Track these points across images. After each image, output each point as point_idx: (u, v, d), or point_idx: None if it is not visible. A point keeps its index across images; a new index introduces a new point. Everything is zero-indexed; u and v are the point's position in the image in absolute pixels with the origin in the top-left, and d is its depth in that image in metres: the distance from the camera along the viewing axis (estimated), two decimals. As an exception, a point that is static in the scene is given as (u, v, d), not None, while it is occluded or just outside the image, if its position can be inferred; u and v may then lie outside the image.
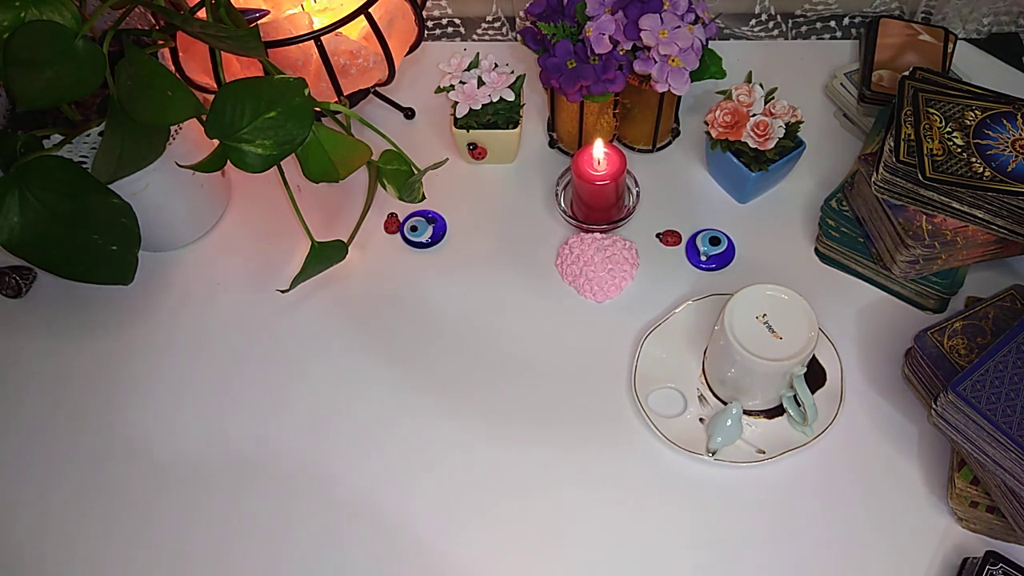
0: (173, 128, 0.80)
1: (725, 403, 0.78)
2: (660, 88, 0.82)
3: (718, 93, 0.89)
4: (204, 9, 0.72)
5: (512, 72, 0.91)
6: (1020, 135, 0.76)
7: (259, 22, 0.77)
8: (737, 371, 0.74)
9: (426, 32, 0.97)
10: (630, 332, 0.84)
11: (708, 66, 0.87)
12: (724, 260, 0.88)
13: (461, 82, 0.90)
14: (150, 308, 0.89)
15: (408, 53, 0.90)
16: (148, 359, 0.86)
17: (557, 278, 0.89)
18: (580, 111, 0.90)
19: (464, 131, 0.92)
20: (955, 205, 0.75)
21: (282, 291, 0.79)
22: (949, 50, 0.96)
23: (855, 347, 0.82)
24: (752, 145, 0.84)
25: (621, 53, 0.83)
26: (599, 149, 0.83)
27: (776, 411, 0.78)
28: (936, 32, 0.98)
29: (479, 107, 0.89)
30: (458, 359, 0.84)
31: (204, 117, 0.69)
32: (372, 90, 0.97)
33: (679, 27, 0.80)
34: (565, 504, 0.76)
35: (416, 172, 0.80)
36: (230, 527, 0.77)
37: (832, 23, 1.06)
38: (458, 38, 1.10)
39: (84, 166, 0.74)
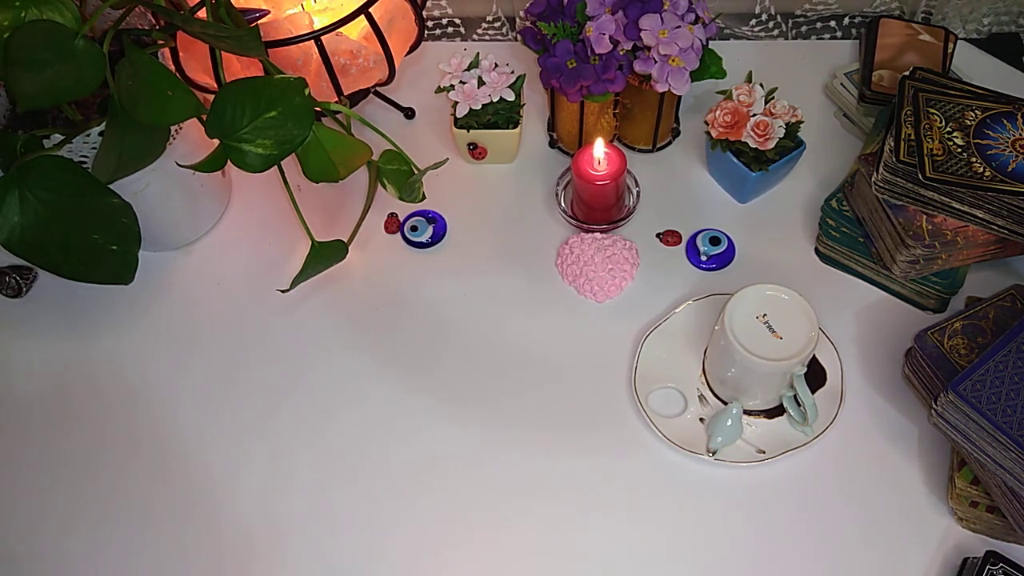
0: (173, 128, 0.80)
1: (725, 403, 0.78)
2: (660, 88, 0.82)
3: (718, 93, 0.89)
4: (204, 9, 0.72)
5: (512, 72, 0.91)
6: (1020, 135, 0.76)
7: (259, 22, 0.77)
8: (737, 371, 0.74)
9: (426, 32, 0.97)
10: (630, 332, 0.84)
11: (708, 66, 0.87)
12: (724, 260, 0.88)
13: (461, 82, 0.90)
14: (150, 308, 0.89)
15: (408, 53, 0.90)
16: (148, 359, 0.86)
17: (557, 278, 0.89)
18: (580, 111, 0.90)
19: (464, 131, 0.92)
20: (955, 205, 0.75)
21: (282, 291, 0.79)
22: (949, 50, 0.96)
23: (855, 347, 0.82)
24: (752, 145, 0.84)
25: (621, 53, 0.83)
26: (599, 149, 0.83)
27: (776, 411, 0.78)
28: (936, 32, 0.98)
29: (479, 107, 0.89)
30: (458, 359, 0.84)
31: (204, 117, 0.69)
32: (372, 90, 0.97)
33: (679, 27, 0.80)
34: (565, 503, 0.76)
35: (416, 172, 0.80)
36: (229, 526, 0.77)
37: (832, 23, 1.06)
38: (458, 38, 1.10)
39: (84, 166, 0.74)
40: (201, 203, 0.92)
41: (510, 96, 0.89)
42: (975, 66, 0.99)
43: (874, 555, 0.72)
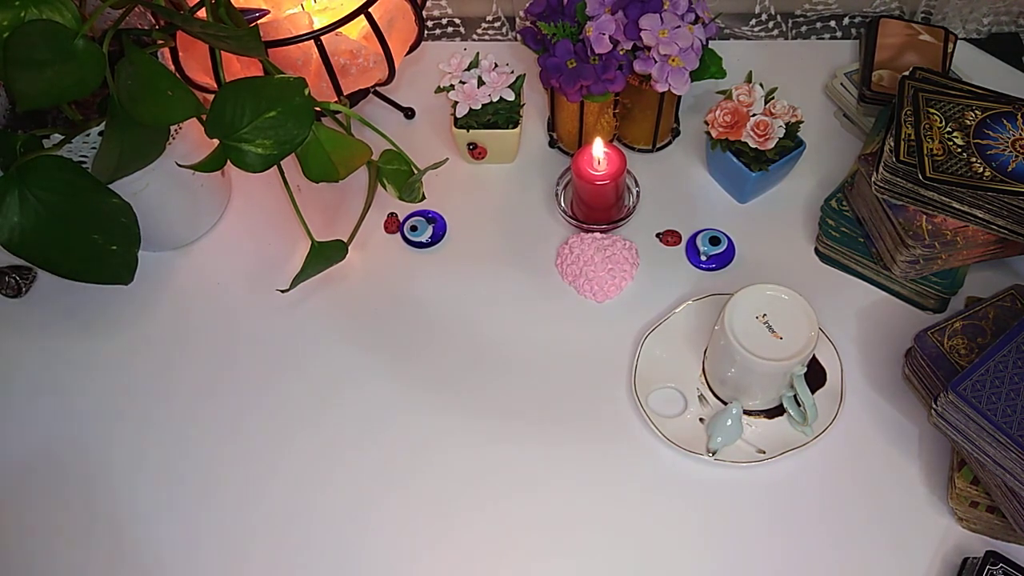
0: (173, 128, 0.80)
1: (725, 403, 0.78)
2: (660, 88, 0.82)
3: (718, 93, 0.89)
4: (204, 9, 0.72)
5: (512, 72, 0.91)
6: (1020, 135, 0.76)
7: (259, 22, 0.77)
8: (737, 371, 0.74)
9: (426, 32, 0.97)
10: (630, 332, 0.84)
11: (708, 66, 0.87)
12: (724, 260, 0.88)
13: (461, 82, 0.90)
14: (150, 308, 0.89)
15: (408, 53, 0.90)
16: (148, 359, 0.86)
17: (557, 278, 0.89)
18: (580, 111, 0.90)
19: (464, 131, 0.92)
20: (955, 205, 0.75)
21: (282, 291, 0.79)
22: (949, 50, 0.96)
23: (855, 347, 0.82)
24: (752, 145, 0.84)
25: (621, 53, 0.83)
26: (599, 149, 0.83)
27: (776, 411, 0.78)
28: (936, 32, 0.98)
29: (479, 107, 0.89)
30: (458, 359, 0.84)
31: (204, 117, 0.69)
32: (372, 90, 0.97)
33: (679, 27, 0.80)
34: (565, 504, 0.76)
35: (416, 172, 0.80)
36: (227, 524, 0.77)
37: (832, 23, 1.06)
38: (458, 38, 1.10)
39: (84, 166, 0.74)
40: (201, 203, 0.92)
41: (510, 96, 0.89)
42: (975, 66, 0.99)
43: (874, 555, 0.72)
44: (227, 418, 0.82)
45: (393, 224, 0.93)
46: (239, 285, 0.90)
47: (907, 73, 0.82)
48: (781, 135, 0.84)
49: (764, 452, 0.76)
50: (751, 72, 0.90)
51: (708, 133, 0.88)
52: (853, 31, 1.06)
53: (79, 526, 0.78)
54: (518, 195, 0.95)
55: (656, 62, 0.81)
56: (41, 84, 0.67)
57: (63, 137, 0.74)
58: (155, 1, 0.69)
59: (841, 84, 0.98)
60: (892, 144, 0.77)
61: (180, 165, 0.76)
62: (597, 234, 0.88)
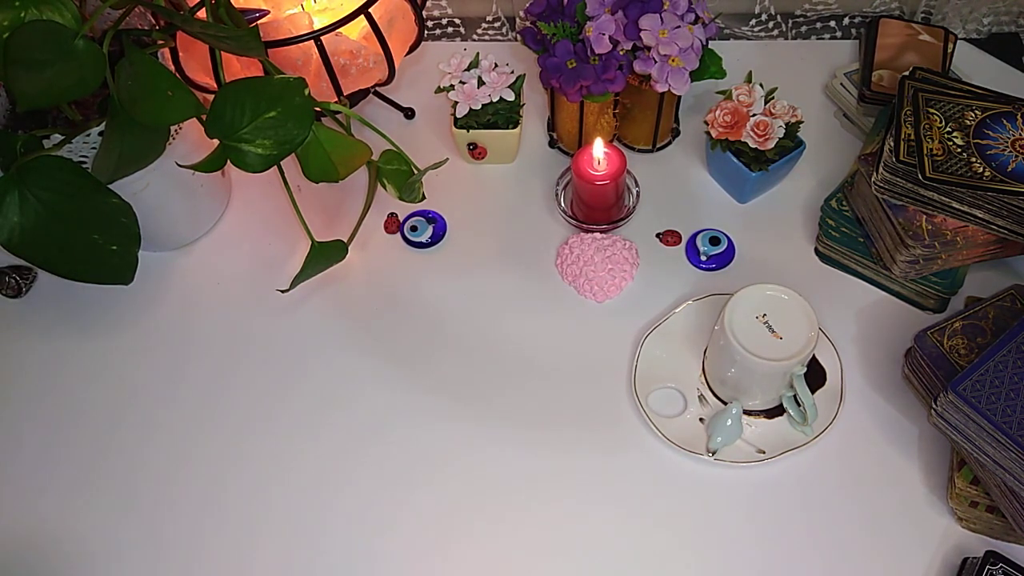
0: (173, 128, 0.80)
1: (725, 403, 0.78)
2: (660, 88, 0.82)
3: (718, 93, 0.89)
4: (204, 9, 0.72)
5: (512, 72, 0.91)
6: (1020, 135, 0.76)
7: (259, 22, 0.77)
8: (737, 371, 0.74)
9: (426, 32, 0.97)
10: (630, 332, 0.84)
11: (708, 66, 0.87)
12: (724, 260, 0.88)
13: (461, 82, 0.90)
14: (150, 308, 0.89)
15: (408, 53, 0.90)
16: (148, 359, 0.86)
17: (557, 278, 0.89)
18: (580, 111, 0.90)
19: (464, 131, 0.92)
20: (955, 205, 0.75)
21: (282, 291, 0.79)
22: (949, 50, 0.96)
23: (855, 347, 0.82)
24: (752, 145, 0.84)
25: (621, 53, 0.83)
26: (599, 149, 0.83)
27: (776, 411, 0.78)
28: (936, 32, 0.98)
29: (479, 107, 0.89)
30: (458, 359, 0.84)
31: (204, 117, 0.69)
32: (372, 90, 0.97)
33: (679, 27, 0.80)
34: (565, 504, 0.76)
35: (416, 172, 0.80)
36: (228, 527, 0.77)
37: (832, 23, 1.06)
38: (458, 38, 1.10)
39: (84, 166, 0.74)
40: (201, 203, 0.92)
41: (510, 96, 0.89)
42: (975, 66, 0.99)
43: (874, 555, 0.72)
44: (228, 418, 0.82)
45: (393, 224, 0.93)
46: (239, 285, 0.90)
47: (907, 73, 0.82)
48: (781, 135, 0.84)
49: (764, 452, 0.76)
50: (751, 72, 0.90)
51: (708, 133, 0.88)
52: (853, 31, 1.06)
53: (79, 527, 0.78)
54: (518, 195, 0.95)
55: (656, 62, 0.81)
56: (41, 84, 0.67)
57: (63, 137, 0.74)
58: (155, 1, 0.69)
59: (841, 84, 0.98)
60: (892, 144, 0.77)
61: (180, 165, 0.76)
62: (597, 234, 0.88)
